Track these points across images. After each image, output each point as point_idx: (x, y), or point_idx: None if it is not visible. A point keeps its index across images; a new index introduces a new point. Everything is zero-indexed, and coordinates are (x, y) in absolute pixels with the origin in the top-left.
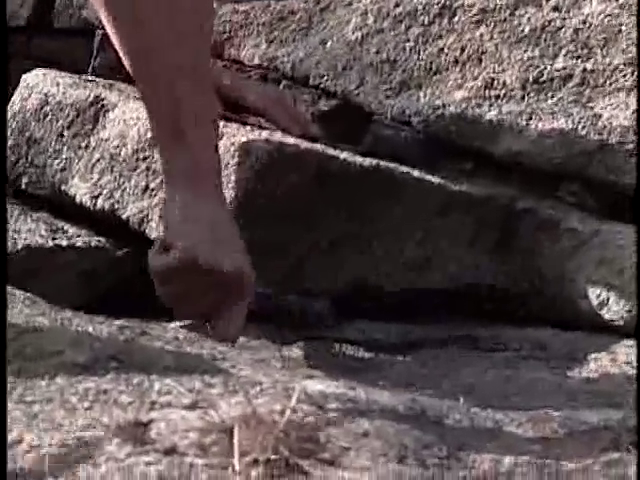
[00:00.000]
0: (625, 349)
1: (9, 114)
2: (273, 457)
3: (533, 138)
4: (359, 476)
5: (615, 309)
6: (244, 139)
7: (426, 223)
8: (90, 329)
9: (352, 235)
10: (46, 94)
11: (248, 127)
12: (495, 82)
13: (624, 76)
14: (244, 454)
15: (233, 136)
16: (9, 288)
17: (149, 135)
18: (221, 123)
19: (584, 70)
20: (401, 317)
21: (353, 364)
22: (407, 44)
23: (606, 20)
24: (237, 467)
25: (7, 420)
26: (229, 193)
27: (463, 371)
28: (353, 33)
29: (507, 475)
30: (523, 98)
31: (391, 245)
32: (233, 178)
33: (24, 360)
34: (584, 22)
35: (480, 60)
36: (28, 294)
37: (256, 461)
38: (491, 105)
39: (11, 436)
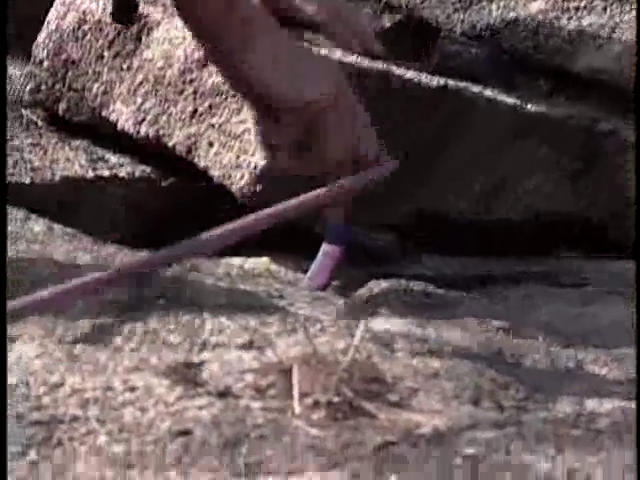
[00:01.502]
0: None
1: (44, 34)
2: (336, 399)
3: (615, 54)
4: (429, 419)
5: None
6: None
7: (499, 148)
8: None
9: (417, 162)
10: (84, 12)
11: (305, 44)
12: None
13: None
14: (304, 396)
15: None
16: (47, 222)
17: (196, 55)
18: None
19: None
20: (473, 251)
21: (422, 302)
22: None
23: None
24: (297, 410)
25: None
26: None
27: (541, 308)
28: None
29: (588, 418)
30: (605, 10)
31: (460, 172)
32: None
33: None
34: None
35: None
36: (68, 229)
37: (317, 403)
38: (570, 18)
39: (53, 379)
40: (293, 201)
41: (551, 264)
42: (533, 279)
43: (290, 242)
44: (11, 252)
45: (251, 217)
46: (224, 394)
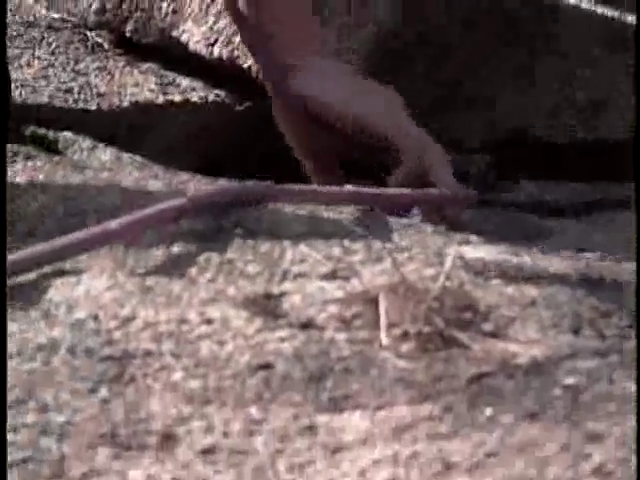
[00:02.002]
0: None
1: None
2: (426, 329)
3: None
4: (527, 349)
5: None
6: None
7: (594, 62)
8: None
9: (509, 78)
10: None
11: None
12: None
13: None
14: (392, 326)
15: None
16: (115, 150)
17: None
18: None
19: None
20: (573, 175)
21: (518, 229)
22: None
23: None
24: (384, 341)
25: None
26: None
27: None
28: None
29: None
30: None
31: (555, 88)
32: None
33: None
34: None
35: None
36: (137, 157)
37: (406, 334)
38: None
39: (124, 312)
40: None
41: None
42: (631, 205)
43: (375, 170)
44: (77, 180)
45: (334, 189)
46: (307, 326)
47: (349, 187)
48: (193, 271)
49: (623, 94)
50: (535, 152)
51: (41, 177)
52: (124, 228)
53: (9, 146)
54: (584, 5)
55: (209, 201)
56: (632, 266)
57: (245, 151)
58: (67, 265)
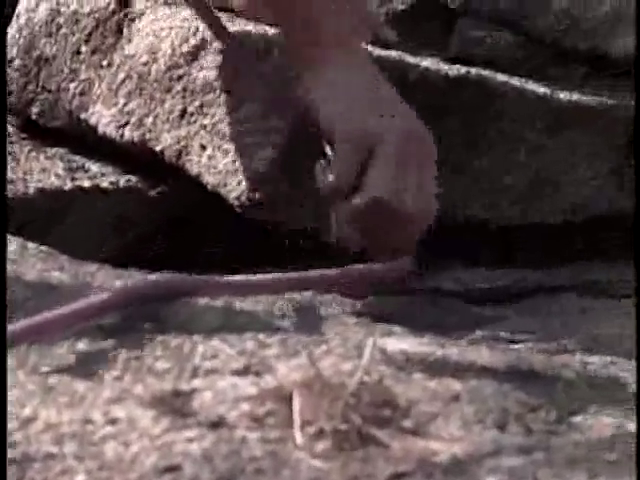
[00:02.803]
0: None
1: (14, 29)
2: (342, 427)
3: None
4: (448, 446)
5: None
6: None
7: (531, 143)
8: (118, 285)
9: (439, 160)
10: (58, 2)
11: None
12: None
13: None
14: (307, 424)
15: None
16: (21, 240)
17: (185, 48)
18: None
19: None
20: (506, 260)
21: (447, 319)
22: None
23: None
24: (298, 440)
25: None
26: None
27: (584, 322)
28: None
29: (627, 441)
30: None
31: (489, 171)
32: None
33: None
34: None
35: None
36: (42, 247)
37: (322, 432)
38: None
39: (24, 413)
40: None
41: (597, 272)
42: (575, 290)
43: (294, 255)
44: None
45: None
46: (217, 425)
47: (278, 276)
48: (99, 369)
49: (556, 175)
50: (465, 237)
51: None
52: (45, 326)
53: None
54: (516, 83)
55: (137, 295)
56: (563, 357)
57: (158, 238)
58: None
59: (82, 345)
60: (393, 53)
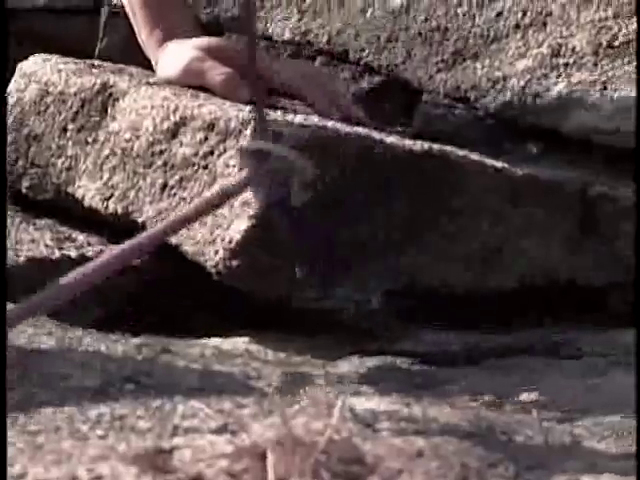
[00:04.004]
0: None
1: (4, 108)
2: None
3: (608, 112)
4: None
5: None
6: (275, 125)
7: (489, 215)
8: (102, 348)
9: (403, 230)
10: (46, 83)
11: (279, 111)
12: (563, 48)
13: None
14: None
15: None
16: (10, 306)
17: (165, 126)
18: (247, 108)
19: None
20: (464, 323)
21: (410, 379)
22: (459, 9)
23: None
24: None
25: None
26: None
27: (538, 382)
28: None
29: None
30: (596, 65)
31: (449, 240)
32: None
33: (28, 386)
34: None
35: (544, 24)
36: None
37: None
38: (559, 75)
39: (14, 470)
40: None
41: (550, 335)
42: (530, 352)
43: (269, 321)
44: None
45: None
46: None
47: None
48: (84, 427)
49: (513, 245)
50: (427, 301)
51: None
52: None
53: None
54: (475, 157)
55: None
56: (521, 415)
57: (141, 304)
58: None
59: (68, 405)
60: (360, 129)
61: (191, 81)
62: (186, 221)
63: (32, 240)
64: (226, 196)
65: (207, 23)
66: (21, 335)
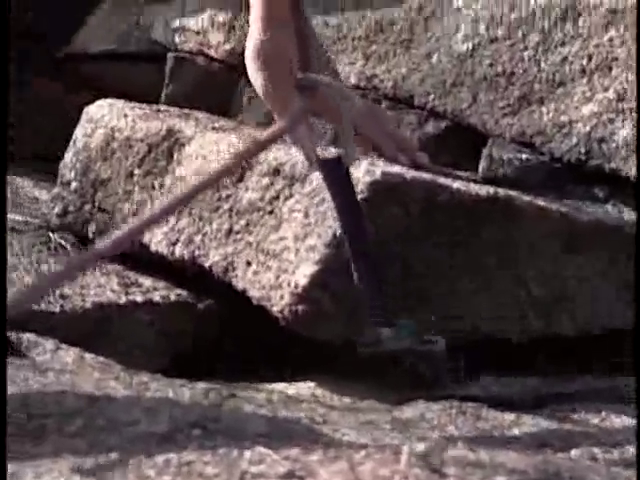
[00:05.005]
0: None
1: (71, 153)
2: None
3: None
4: None
5: None
6: None
7: (554, 259)
8: (170, 394)
9: (467, 276)
10: (112, 128)
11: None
12: (629, 93)
13: None
14: None
15: None
16: (78, 350)
17: None
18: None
19: None
20: (528, 369)
21: (476, 424)
22: (525, 53)
23: None
24: None
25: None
26: (326, 230)
27: (606, 427)
28: (463, 44)
29: None
30: None
31: (513, 286)
32: (330, 214)
33: (95, 431)
34: None
35: (610, 68)
36: (99, 357)
37: None
38: (625, 120)
39: None
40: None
41: (616, 380)
42: (597, 397)
43: (334, 365)
44: (37, 385)
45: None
46: None
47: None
48: (151, 473)
49: (575, 291)
50: (493, 348)
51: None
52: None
53: None
54: (541, 202)
55: None
56: (585, 462)
57: (208, 350)
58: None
59: (135, 449)
60: (425, 175)
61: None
62: (226, 172)
63: (99, 285)
64: (267, 142)
65: None
66: (88, 379)
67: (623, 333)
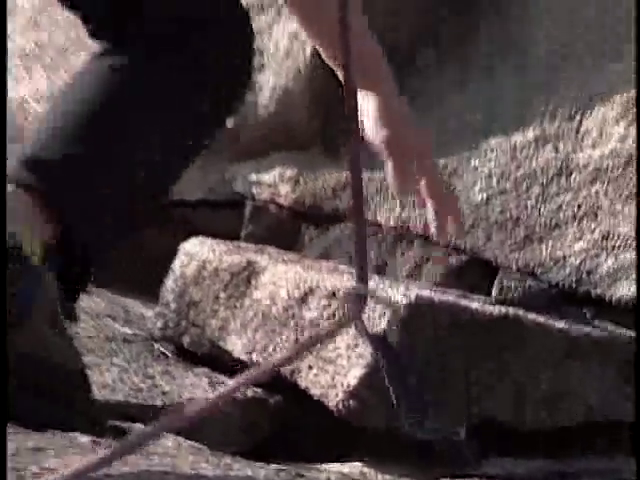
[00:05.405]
0: None
1: (170, 280)
2: None
3: None
4: None
5: None
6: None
7: (553, 365)
8: (249, 472)
9: (484, 381)
10: (204, 260)
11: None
12: (611, 234)
13: None
14: None
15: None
16: (176, 437)
17: (297, 294)
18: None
19: None
20: (532, 452)
21: None
22: (528, 202)
23: None
24: None
25: None
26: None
27: None
28: (478, 194)
29: None
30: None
31: (523, 386)
32: (372, 332)
33: None
34: None
35: (596, 215)
36: (193, 442)
37: None
38: (609, 254)
39: None
40: None
41: (614, 462)
42: (601, 476)
43: (378, 449)
44: (144, 466)
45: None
46: None
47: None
48: None
49: (574, 389)
50: (505, 433)
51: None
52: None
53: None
54: (541, 320)
55: None
56: None
57: (279, 437)
58: None
59: None
60: (450, 297)
61: None
62: (299, 353)
63: (192, 384)
64: (333, 332)
65: None
66: (185, 462)
67: (614, 422)
